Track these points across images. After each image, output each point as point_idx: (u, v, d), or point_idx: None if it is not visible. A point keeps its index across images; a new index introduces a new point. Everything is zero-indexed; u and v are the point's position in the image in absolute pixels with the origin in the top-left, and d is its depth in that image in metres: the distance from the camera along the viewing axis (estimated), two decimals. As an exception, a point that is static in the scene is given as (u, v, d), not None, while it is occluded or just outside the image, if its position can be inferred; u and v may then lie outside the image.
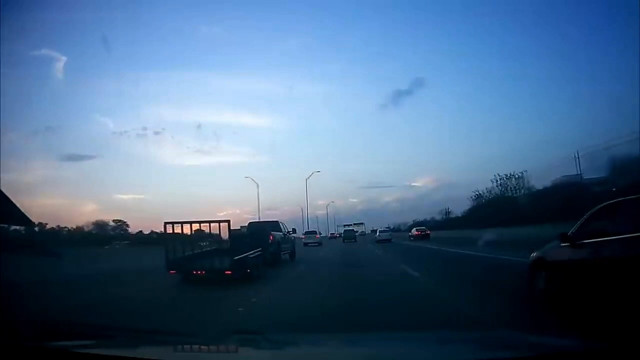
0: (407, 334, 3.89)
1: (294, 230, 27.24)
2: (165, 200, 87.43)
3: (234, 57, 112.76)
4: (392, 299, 8.29)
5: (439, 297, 8.69)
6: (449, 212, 76.11)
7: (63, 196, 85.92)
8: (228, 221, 13.29)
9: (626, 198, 5.77)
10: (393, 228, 72.44)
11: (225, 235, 13.80)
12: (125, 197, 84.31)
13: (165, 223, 12.80)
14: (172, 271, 12.31)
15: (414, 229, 49.67)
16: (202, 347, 2.76)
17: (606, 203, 6.06)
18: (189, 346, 2.71)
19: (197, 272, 12.04)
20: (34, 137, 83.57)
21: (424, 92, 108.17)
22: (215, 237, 14.42)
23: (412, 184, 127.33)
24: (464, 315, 6.56)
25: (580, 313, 5.62)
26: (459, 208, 69.24)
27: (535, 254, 7.18)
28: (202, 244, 14.66)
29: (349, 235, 53.25)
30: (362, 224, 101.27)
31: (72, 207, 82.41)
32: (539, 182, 46.77)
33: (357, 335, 3.90)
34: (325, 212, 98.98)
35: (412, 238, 45.42)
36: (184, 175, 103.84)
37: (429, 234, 45.70)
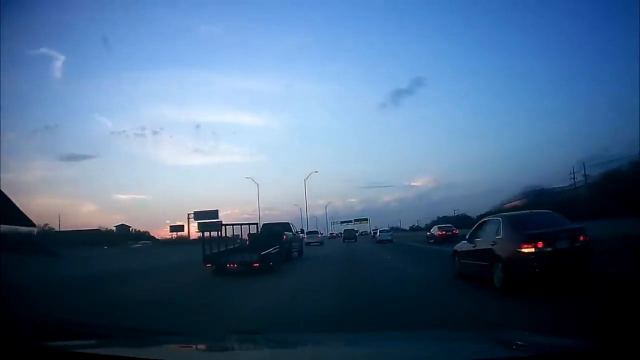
0: (407, 334, 3.89)
1: (302, 231, 30.29)
2: (164, 200, 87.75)
3: (234, 57, 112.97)
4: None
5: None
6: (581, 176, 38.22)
7: (62, 196, 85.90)
8: (256, 224, 17.77)
9: (487, 218, 10.28)
10: (415, 226, 65.80)
11: (249, 235, 17.31)
12: (124, 197, 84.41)
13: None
14: (208, 265, 14.57)
15: (436, 226, 35.89)
16: (202, 347, 2.76)
17: (481, 220, 10.66)
18: (189, 346, 2.71)
19: (230, 265, 14.48)
20: (33, 136, 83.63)
21: (424, 91, 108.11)
22: (240, 237, 17.48)
23: (412, 183, 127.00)
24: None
25: (467, 277, 9.98)
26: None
27: (455, 247, 11.41)
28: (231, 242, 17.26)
29: (349, 235, 52.77)
30: (365, 220, 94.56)
31: (71, 207, 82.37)
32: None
33: (357, 335, 3.90)
34: (325, 211, 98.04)
35: (432, 240, 32.46)
36: (183, 175, 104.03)
37: (457, 233, 30.73)
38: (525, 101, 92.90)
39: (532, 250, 7.73)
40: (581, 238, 8.09)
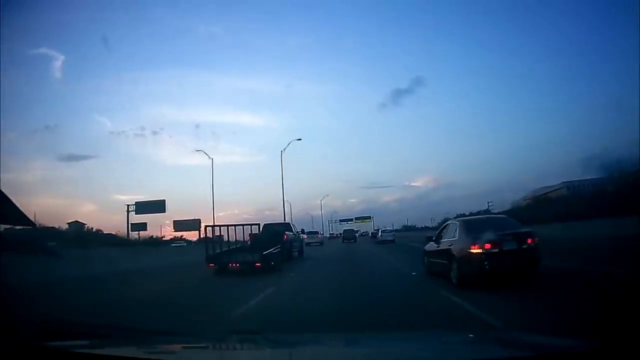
0: (407, 334, 3.90)
1: (303, 231, 30.09)
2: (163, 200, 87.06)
3: (234, 57, 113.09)
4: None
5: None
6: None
7: (62, 196, 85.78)
8: (258, 224, 17.56)
9: (449, 222, 11.44)
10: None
11: (252, 235, 17.35)
12: (123, 197, 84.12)
13: (206, 226, 16.87)
14: (210, 264, 14.74)
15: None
16: (202, 347, 2.76)
17: (445, 223, 11.74)
18: (189, 346, 2.72)
19: (232, 264, 14.66)
20: (33, 136, 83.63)
21: (424, 91, 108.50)
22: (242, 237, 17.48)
23: (412, 183, 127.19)
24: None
25: (434, 274, 10.79)
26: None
27: (425, 247, 12.29)
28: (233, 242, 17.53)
29: (349, 235, 52.64)
30: (368, 218, 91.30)
31: (71, 207, 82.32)
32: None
33: (357, 335, 3.90)
34: (321, 212, 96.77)
35: None
36: (183, 175, 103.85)
37: None
38: (525, 101, 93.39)
39: (481, 251, 8.57)
40: (529, 241, 8.84)
